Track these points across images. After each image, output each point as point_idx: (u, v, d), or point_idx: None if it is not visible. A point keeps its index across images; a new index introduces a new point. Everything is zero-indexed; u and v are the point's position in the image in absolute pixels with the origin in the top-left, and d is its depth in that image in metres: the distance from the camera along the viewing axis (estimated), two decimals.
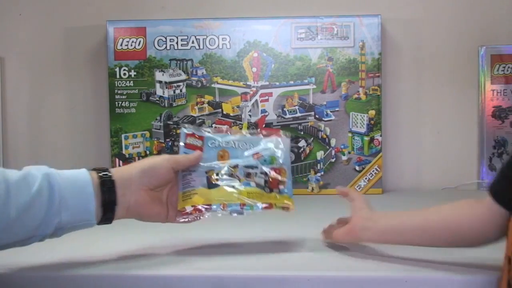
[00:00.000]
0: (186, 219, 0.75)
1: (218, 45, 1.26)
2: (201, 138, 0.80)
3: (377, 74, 1.25)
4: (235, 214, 0.75)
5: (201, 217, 0.75)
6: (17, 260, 0.69)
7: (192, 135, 0.80)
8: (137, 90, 1.27)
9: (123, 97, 1.27)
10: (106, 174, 0.71)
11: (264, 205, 0.76)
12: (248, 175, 0.78)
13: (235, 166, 0.78)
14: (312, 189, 1.25)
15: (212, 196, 0.75)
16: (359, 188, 1.25)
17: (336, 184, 1.25)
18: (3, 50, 1.37)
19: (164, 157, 0.76)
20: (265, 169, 0.79)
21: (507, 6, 1.32)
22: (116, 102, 1.27)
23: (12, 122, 1.38)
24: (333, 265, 0.71)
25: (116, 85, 1.27)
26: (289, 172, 0.80)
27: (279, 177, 0.79)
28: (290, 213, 0.78)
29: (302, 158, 1.26)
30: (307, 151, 1.26)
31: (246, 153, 0.80)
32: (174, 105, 1.27)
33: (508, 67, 1.29)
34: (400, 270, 0.68)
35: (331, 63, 1.25)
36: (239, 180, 0.77)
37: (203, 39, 1.26)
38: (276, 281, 0.67)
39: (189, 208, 0.74)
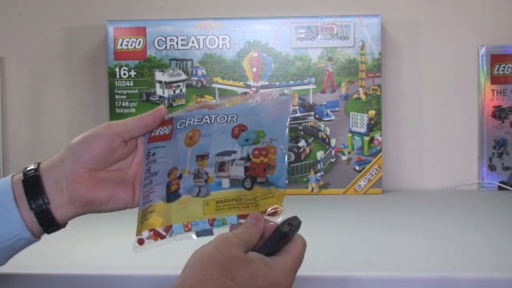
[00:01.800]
0: (143, 249, 0.57)
1: (218, 45, 1.26)
2: (169, 122, 0.61)
3: (377, 74, 1.25)
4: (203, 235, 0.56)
5: (159, 245, 0.56)
6: (16, 259, 0.69)
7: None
8: (137, 90, 1.27)
9: (123, 97, 1.27)
10: (30, 170, 0.57)
11: (240, 216, 0.55)
12: (221, 166, 0.57)
13: (203, 156, 0.58)
14: (312, 189, 1.25)
15: (172, 214, 0.56)
16: (359, 188, 1.25)
17: (336, 184, 1.25)
18: (3, 50, 1.37)
19: (106, 123, 0.59)
20: (246, 151, 0.57)
21: (507, 6, 1.32)
22: (116, 102, 1.27)
23: (12, 122, 1.38)
24: (333, 265, 0.71)
25: (116, 85, 1.27)
26: (281, 151, 0.56)
27: (266, 160, 0.56)
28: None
29: (302, 158, 1.26)
30: (307, 151, 1.26)
31: (224, 128, 0.58)
32: (174, 105, 1.27)
33: (508, 67, 1.29)
34: (400, 270, 0.68)
35: (331, 63, 1.25)
36: (206, 180, 0.57)
37: (203, 39, 1.26)
38: None
39: (146, 234, 0.56)
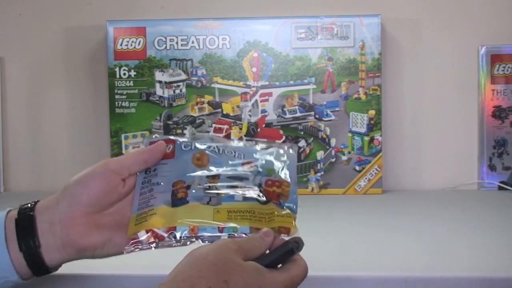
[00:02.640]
0: (136, 249, 0.54)
1: (218, 45, 1.26)
2: (170, 141, 0.59)
3: (377, 74, 1.25)
4: (208, 242, 0.54)
5: (155, 246, 0.54)
6: None
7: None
8: (137, 90, 1.27)
9: (123, 97, 1.27)
10: (26, 209, 0.54)
11: (252, 228, 0.54)
12: (233, 187, 0.57)
13: (215, 176, 0.57)
14: (312, 189, 1.25)
15: (178, 216, 0.54)
16: (359, 188, 1.25)
17: (336, 184, 1.25)
18: (3, 50, 1.37)
19: (102, 162, 0.56)
20: (259, 181, 0.57)
21: (507, 6, 1.32)
22: (116, 102, 1.27)
23: (12, 122, 1.38)
24: (333, 265, 0.71)
25: (116, 85, 1.27)
26: (294, 186, 0.58)
27: (279, 190, 0.57)
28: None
29: (302, 158, 1.26)
30: (307, 151, 1.26)
31: (233, 162, 0.58)
32: (174, 105, 1.27)
33: (508, 67, 1.29)
34: (400, 270, 0.68)
35: (331, 63, 1.25)
36: (218, 194, 0.56)
37: (203, 39, 1.26)
38: None
39: (142, 234, 0.54)
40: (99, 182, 0.55)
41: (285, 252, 0.52)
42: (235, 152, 0.59)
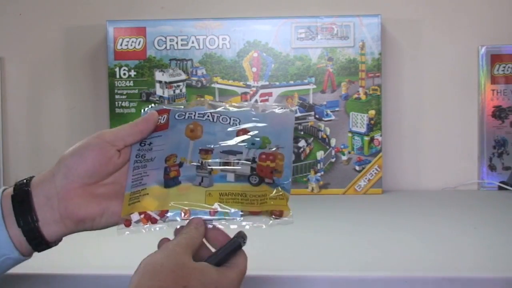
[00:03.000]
0: (128, 231, 0.54)
1: (218, 45, 1.26)
2: (164, 112, 0.59)
3: (377, 74, 1.25)
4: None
5: (147, 229, 0.54)
6: None
7: None
8: (137, 90, 1.27)
9: (123, 97, 1.27)
10: (21, 184, 0.54)
11: (244, 212, 0.54)
12: (226, 164, 0.56)
13: (208, 150, 0.57)
14: (312, 189, 1.25)
15: (170, 198, 0.55)
16: (359, 188, 1.25)
17: (336, 184, 1.25)
18: (3, 50, 1.37)
19: (97, 133, 0.56)
20: (252, 154, 0.57)
21: (507, 6, 1.32)
22: (116, 102, 1.27)
23: (12, 122, 1.38)
24: (333, 265, 0.71)
25: (116, 85, 1.27)
26: (288, 159, 0.57)
27: (273, 165, 0.56)
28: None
29: (302, 158, 1.26)
30: (307, 151, 1.26)
31: (228, 130, 0.58)
32: None
33: (508, 67, 1.29)
34: (400, 270, 0.68)
35: (331, 63, 1.25)
36: (210, 172, 0.56)
37: (203, 39, 1.26)
38: (275, 282, 0.67)
39: (135, 217, 0.54)
40: (95, 153, 0.54)
41: (235, 249, 0.53)
42: (230, 118, 0.58)
